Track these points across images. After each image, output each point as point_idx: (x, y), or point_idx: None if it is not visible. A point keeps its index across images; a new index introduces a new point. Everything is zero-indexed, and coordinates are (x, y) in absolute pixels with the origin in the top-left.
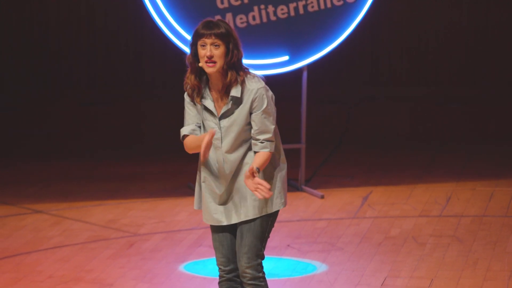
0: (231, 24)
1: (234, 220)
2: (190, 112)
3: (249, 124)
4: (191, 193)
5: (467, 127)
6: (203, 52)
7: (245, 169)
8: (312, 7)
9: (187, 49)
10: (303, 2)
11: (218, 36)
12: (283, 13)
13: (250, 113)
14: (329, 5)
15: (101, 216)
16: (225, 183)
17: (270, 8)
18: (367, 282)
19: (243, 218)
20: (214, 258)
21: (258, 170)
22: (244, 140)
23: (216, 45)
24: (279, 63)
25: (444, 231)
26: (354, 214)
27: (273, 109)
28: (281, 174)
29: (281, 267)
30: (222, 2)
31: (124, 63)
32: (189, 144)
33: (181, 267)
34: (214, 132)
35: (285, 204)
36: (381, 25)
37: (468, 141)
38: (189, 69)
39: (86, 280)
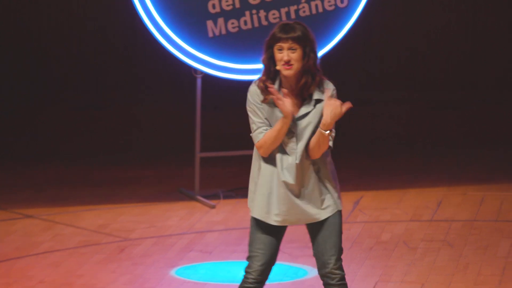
0: (223, 29)
1: (313, 219)
2: (259, 116)
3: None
4: (182, 198)
5: (459, 132)
6: (280, 56)
7: (314, 176)
8: (304, 12)
9: (179, 54)
10: (295, 7)
11: (295, 40)
12: (274, 18)
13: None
14: (320, 9)
15: (92, 221)
16: (296, 187)
17: (262, 13)
18: (358, 286)
19: (323, 216)
20: (205, 263)
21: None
22: None
23: (293, 49)
24: None
25: (435, 235)
26: (345, 218)
27: None
28: (336, 176)
29: (272, 271)
30: (214, 7)
31: (116, 68)
32: (270, 137)
33: (172, 272)
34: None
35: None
36: (373, 30)
37: (459, 146)
38: (263, 71)
39: (77, 285)
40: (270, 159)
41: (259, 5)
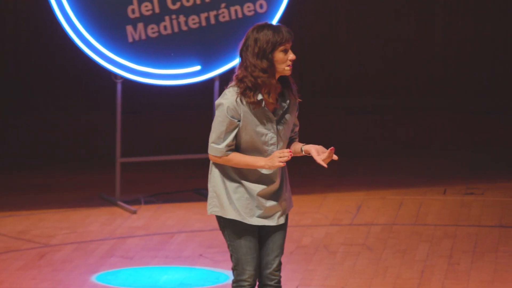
0: (143, 34)
1: (281, 221)
2: (229, 132)
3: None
4: (103, 204)
5: (377, 136)
6: (285, 57)
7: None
8: (224, 17)
9: (98, 59)
10: (214, 12)
11: (292, 39)
12: (194, 23)
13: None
14: (240, 15)
15: (12, 227)
16: (271, 187)
17: (182, 18)
18: None
19: (283, 221)
20: (126, 268)
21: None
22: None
23: (291, 48)
24: (190, 73)
25: (354, 239)
26: None
27: None
28: None
29: (194, 277)
30: (133, 12)
31: (35, 74)
32: (239, 162)
33: (93, 278)
34: (291, 152)
35: None
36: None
37: (378, 150)
38: (245, 80)
39: None
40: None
41: (179, 10)
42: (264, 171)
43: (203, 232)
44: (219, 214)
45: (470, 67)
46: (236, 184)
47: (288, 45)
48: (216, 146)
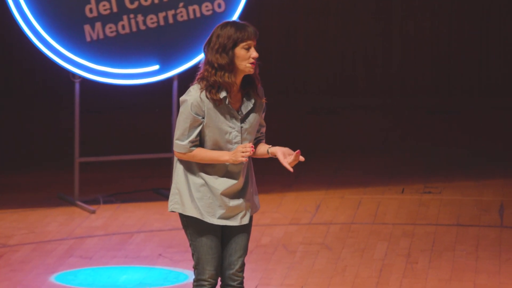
0: (100, 34)
1: (244, 221)
2: (193, 129)
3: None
4: (62, 204)
5: (335, 136)
6: (247, 54)
7: (247, 177)
8: (182, 16)
9: (56, 58)
10: (173, 12)
11: (256, 38)
12: (152, 23)
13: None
14: (198, 14)
15: None
16: (234, 186)
17: (140, 17)
18: None
19: (246, 221)
20: (85, 268)
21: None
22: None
23: (255, 47)
24: (149, 72)
25: (313, 238)
26: None
27: None
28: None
29: (153, 276)
30: (91, 11)
31: None
32: (204, 158)
33: (52, 278)
34: (252, 146)
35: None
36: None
37: (337, 150)
38: (208, 77)
39: None
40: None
41: (137, 9)
42: (229, 169)
43: (162, 232)
44: (180, 211)
45: (427, 66)
46: (199, 182)
47: (252, 43)
48: (180, 142)
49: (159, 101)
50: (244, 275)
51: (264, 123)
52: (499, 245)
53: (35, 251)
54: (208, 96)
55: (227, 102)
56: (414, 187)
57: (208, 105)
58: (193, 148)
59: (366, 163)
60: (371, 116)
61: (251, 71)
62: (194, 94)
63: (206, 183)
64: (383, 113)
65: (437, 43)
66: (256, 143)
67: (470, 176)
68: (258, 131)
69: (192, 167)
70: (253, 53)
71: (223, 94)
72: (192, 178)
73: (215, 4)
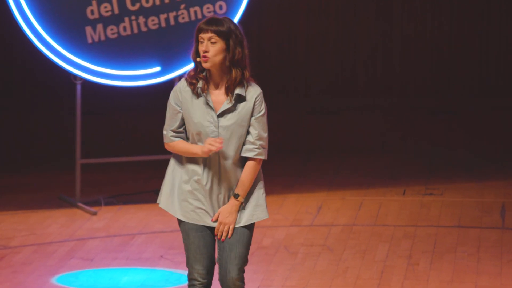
0: (102, 35)
1: (211, 223)
2: (175, 119)
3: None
4: (63, 205)
5: (336, 137)
6: (200, 48)
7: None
8: (183, 18)
9: (57, 60)
10: (174, 13)
11: (215, 32)
12: (154, 24)
13: (251, 117)
14: (199, 16)
15: None
16: (217, 184)
17: (141, 19)
18: None
19: (212, 224)
20: (86, 270)
21: (237, 196)
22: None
23: (212, 42)
24: (150, 74)
25: (315, 240)
26: None
27: (266, 118)
28: (263, 185)
29: (155, 278)
30: (92, 13)
31: None
32: (181, 149)
33: (53, 280)
34: (222, 140)
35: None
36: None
37: (337, 151)
38: (195, 67)
39: None
40: (192, 158)
41: (138, 11)
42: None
43: (163, 234)
44: (159, 203)
45: (428, 67)
46: (183, 179)
47: (204, 36)
48: (164, 132)
49: (160, 102)
50: (246, 276)
51: (261, 135)
52: (501, 247)
53: (36, 253)
54: (187, 84)
55: (204, 95)
56: (415, 189)
57: (185, 96)
58: (175, 139)
59: (367, 164)
60: (372, 117)
61: (203, 65)
62: (178, 85)
63: (188, 181)
64: (384, 114)
65: (437, 43)
66: (246, 152)
67: (471, 178)
68: (249, 142)
69: (180, 162)
70: (202, 47)
71: (199, 84)
72: (177, 174)
73: (217, 5)
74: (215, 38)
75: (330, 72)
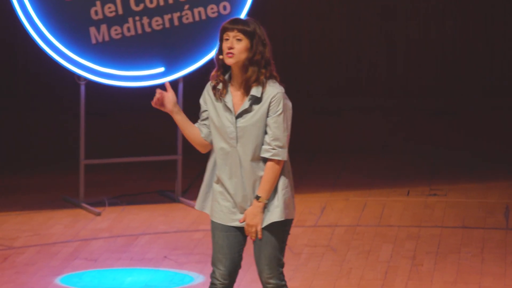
0: (106, 36)
1: (236, 223)
2: (203, 111)
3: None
4: (67, 206)
5: (339, 137)
6: (225, 45)
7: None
8: (187, 19)
9: (61, 60)
10: (178, 14)
11: (240, 30)
12: (158, 25)
13: (267, 117)
14: (203, 17)
15: None
16: (240, 184)
17: (145, 20)
18: None
19: (238, 224)
20: (90, 270)
21: (258, 197)
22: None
23: (238, 39)
24: (154, 75)
25: (318, 241)
26: None
27: (288, 118)
28: (291, 184)
29: (158, 278)
30: (96, 14)
31: None
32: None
33: (57, 280)
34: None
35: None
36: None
37: (342, 151)
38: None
39: None
40: (224, 156)
41: (142, 12)
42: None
43: (167, 234)
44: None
45: (431, 68)
46: (213, 180)
47: (230, 34)
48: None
49: None
50: (249, 277)
51: (277, 135)
52: (505, 247)
53: (40, 253)
54: (211, 86)
55: (225, 96)
56: (419, 189)
57: (208, 96)
58: (200, 127)
59: (371, 165)
60: (375, 117)
61: (226, 61)
62: (207, 84)
63: (218, 181)
64: (387, 114)
65: (441, 44)
66: (264, 158)
67: (475, 178)
68: (266, 142)
69: (212, 162)
70: (227, 43)
71: (220, 86)
72: (210, 173)
73: (221, 6)
74: (241, 36)
75: (334, 73)
